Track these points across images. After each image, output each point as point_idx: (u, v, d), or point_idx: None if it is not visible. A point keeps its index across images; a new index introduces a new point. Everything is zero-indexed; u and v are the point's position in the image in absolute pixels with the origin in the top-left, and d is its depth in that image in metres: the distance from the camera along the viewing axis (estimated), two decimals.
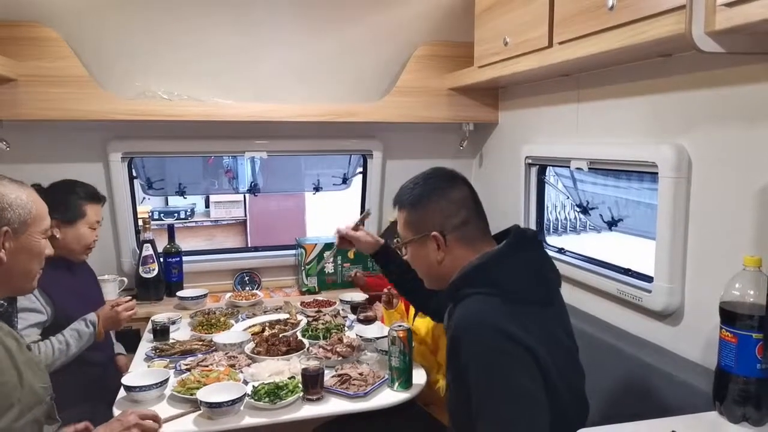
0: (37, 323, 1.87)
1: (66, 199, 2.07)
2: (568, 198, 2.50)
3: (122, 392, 1.68)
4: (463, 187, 1.45)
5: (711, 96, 1.52)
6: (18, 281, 1.39)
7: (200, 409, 1.58)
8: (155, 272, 2.61)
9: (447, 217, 1.40)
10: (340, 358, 1.91)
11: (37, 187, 2.05)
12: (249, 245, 5.35)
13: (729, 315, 1.27)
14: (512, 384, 1.20)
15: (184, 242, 2.95)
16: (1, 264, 1.32)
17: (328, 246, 2.78)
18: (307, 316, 2.36)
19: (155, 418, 1.51)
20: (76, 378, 1.86)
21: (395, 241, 1.55)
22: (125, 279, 2.61)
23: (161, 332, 2.12)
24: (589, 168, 2.00)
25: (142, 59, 2.43)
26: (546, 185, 2.45)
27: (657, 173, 1.64)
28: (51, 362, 1.79)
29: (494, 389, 1.20)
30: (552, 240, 2.45)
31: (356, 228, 1.97)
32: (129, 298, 2.10)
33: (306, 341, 2.07)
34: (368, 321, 2.24)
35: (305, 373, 1.67)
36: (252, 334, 2.14)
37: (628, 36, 1.44)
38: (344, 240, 1.99)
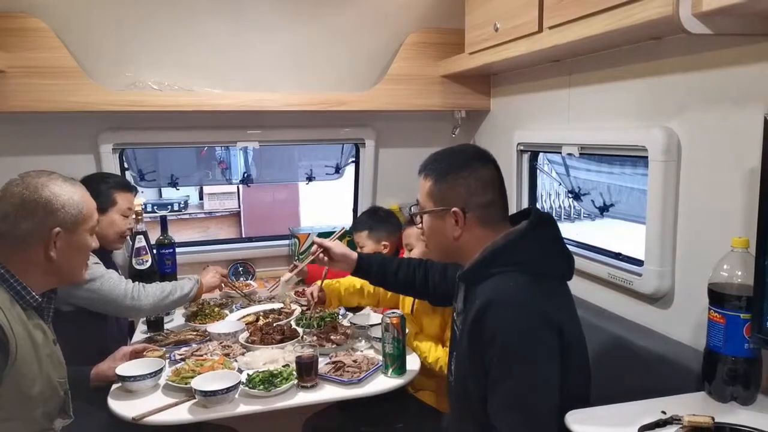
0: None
1: (97, 189, 2.09)
2: (561, 185, 2.50)
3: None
4: (493, 168, 1.43)
5: (700, 79, 1.52)
6: (66, 275, 1.44)
7: (195, 398, 1.58)
8: (149, 264, 2.59)
9: (472, 195, 1.38)
10: (334, 346, 1.92)
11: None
12: (243, 236, 5.34)
13: (717, 296, 1.28)
14: (534, 365, 1.24)
15: (178, 234, 2.96)
16: (52, 261, 1.36)
17: (322, 236, 2.77)
18: (301, 305, 2.36)
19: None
20: (80, 368, 1.86)
21: (410, 208, 1.52)
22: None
23: (155, 323, 2.13)
24: (580, 153, 2.00)
25: (131, 49, 2.41)
26: (539, 172, 2.45)
27: (647, 157, 1.65)
28: (159, 300, 2.03)
29: (515, 367, 1.24)
30: None
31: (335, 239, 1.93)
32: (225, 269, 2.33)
33: (300, 330, 2.07)
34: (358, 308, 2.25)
35: (299, 360, 1.68)
36: (246, 324, 2.14)
37: (617, 19, 1.44)
38: (322, 251, 1.88)
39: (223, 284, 2.39)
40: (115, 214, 2.14)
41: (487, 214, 1.39)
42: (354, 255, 1.86)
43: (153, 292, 2.02)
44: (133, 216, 2.23)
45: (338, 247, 1.87)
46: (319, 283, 2.07)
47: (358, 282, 2.09)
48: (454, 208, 1.38)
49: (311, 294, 1.98)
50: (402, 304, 2.06)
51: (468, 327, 1.32)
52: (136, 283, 2.03)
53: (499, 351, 1.24)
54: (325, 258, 1.86)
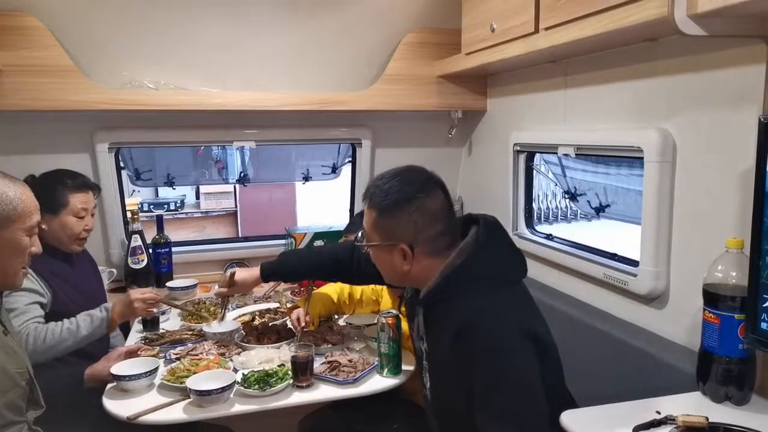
0: (39, 302, 1.87)
1: (51, 189, 2.04)
2: (557, 185, 2.51)
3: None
4: (440, 195, 1.37)
5: (695, 80, 1.53)
6: None
7: (190, 398, 1.58)
8: (144, 263, 2.60)
9: (419, 230, 1.34)
10: (330, 346, 1.91)
11: (31, 178, 2.06)
12: (239, 236, 5.33)
13: (712, 297, 1.29)
14: (517, 376, 1.23)
15: (174, 234, 2.94)
16: None
17: (319, 235, 2.79)
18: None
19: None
20: (74, 368, 1.85)
21: (357, 237, 1.46)
22: (114, 270, 2.60)
23: (151, 322, 2.12)
24: (576, 154, 2.01)
25: (126, 48, 2.40)
26: (535, 173, 2.46)
27: (642, 158, 1.65)
28: (57, 341, 1.77)
29: (499, 382, 1.22)
30: (542, 228, 2.46)
31: (231, 283, 1.94)
32: (153, 292, 2.05)
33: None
34: None
35: (295, 360, 1.68)
36: (242, 323, 2.14)
37: (613, 20, 1.44)
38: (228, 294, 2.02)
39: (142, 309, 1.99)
40: (67, 216, 2.05)
41: (436, 245, 1.35)
42: (256, 273, 1.92)
43: (44, 343, 1.75)
44: (91, 216, 2.14)
45: (241, 284, 1.95)
46: (302, 305, 2.03)
47: (334, 293, 2.10)
48: (401, 245, 1.34)
49: (297, 320, 1.94)
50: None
51: (443, 350, 1.31)
52: (30, 328, 1.77)
53: (481, 369, 1.23)
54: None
